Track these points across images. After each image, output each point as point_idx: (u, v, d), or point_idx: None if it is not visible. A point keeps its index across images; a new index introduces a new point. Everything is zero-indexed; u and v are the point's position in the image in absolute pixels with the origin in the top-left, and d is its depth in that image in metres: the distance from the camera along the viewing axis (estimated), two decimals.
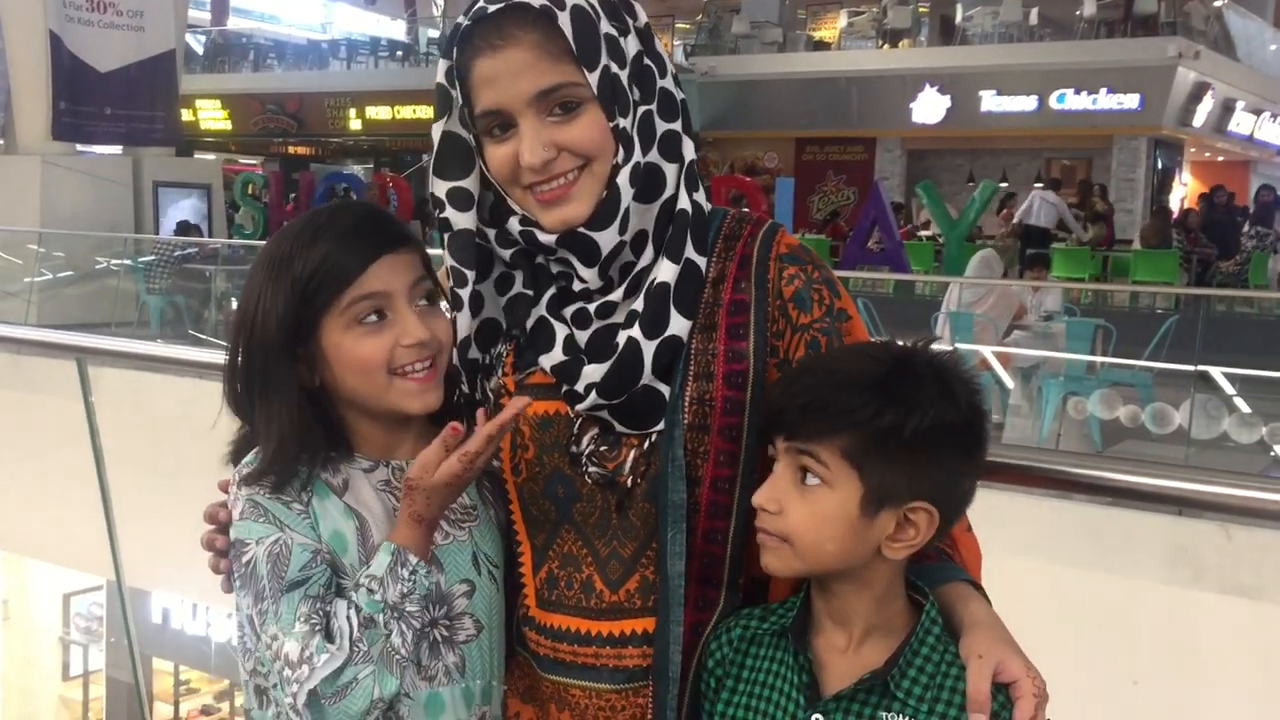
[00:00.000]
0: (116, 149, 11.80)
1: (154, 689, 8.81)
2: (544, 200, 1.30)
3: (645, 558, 1.34)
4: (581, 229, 1.29)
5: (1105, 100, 18.22)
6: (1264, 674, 3.40)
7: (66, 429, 3.72)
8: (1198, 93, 18.41)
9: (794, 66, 20.55)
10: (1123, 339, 7.98)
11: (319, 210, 1.43)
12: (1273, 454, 6.58)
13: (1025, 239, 14.33)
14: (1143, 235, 14.97)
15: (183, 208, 11.94)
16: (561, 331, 1.36)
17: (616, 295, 1.33)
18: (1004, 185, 17.06)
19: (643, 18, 1.35)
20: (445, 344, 1.40)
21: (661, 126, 1.33)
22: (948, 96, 19.30)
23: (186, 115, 19.26)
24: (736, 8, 22.19)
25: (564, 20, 1.25)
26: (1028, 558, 3.65)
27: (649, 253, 1.33)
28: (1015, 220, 15.46)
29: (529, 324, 1.38)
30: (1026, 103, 18.75)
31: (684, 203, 1.34)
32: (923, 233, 16.08)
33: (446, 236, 1.37)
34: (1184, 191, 20.66)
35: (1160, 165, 19.84)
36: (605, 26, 1.29)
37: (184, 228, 11.68)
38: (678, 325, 1.31)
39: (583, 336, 1.34)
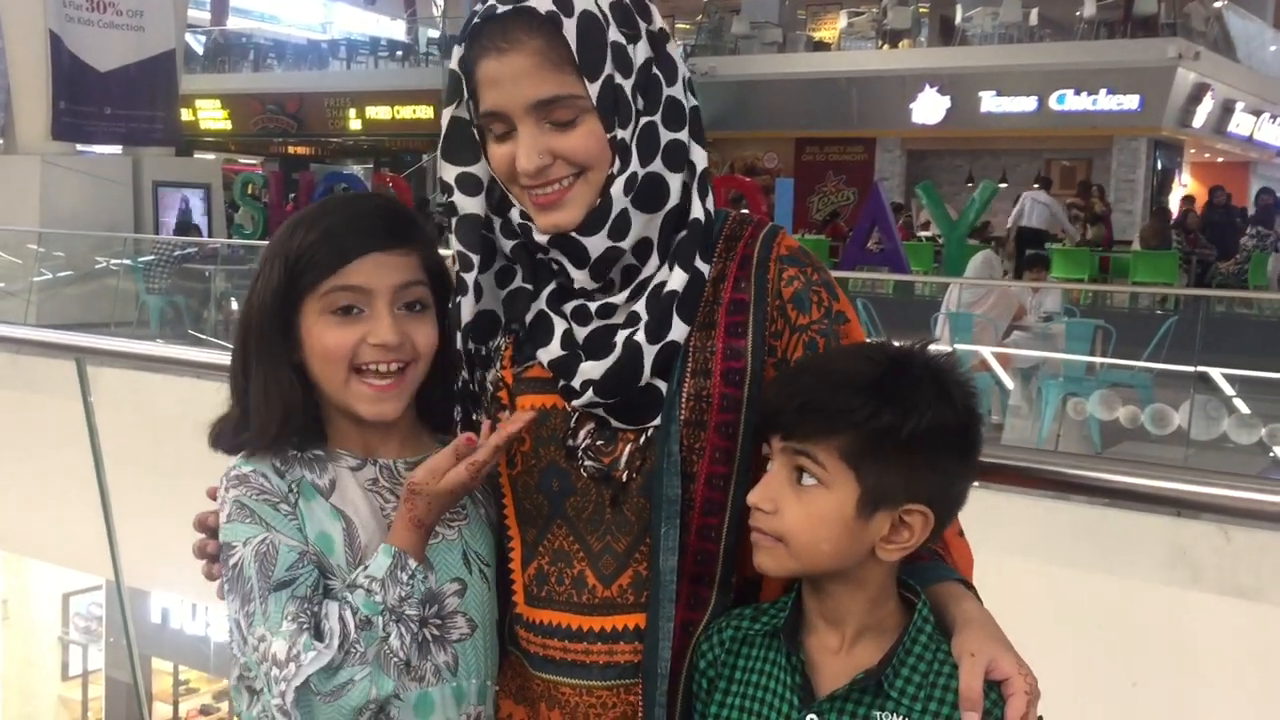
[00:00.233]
0: (116, 149, 11.82)
1: (153, 689, 8.80)
2: (538, 203, 1.31)
3: (639, 553, 1.35)
4: (572, 234, 1.30)
5: (1105, 101, 18.23)
6: (1262, 675, 3.40)
7: (66, 429, 3.72)
8: (1197, 94, 18.41)
9: (794, 67, 20.55)
10: (1122, 340, 7.95)
11: (338, 195, 1.45)
12: (1272, 455, 6.57)
13: (1021, 241, 14.32)
14: (1142, 236, 14.97)
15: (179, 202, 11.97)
16: (560, 326, 1.36)
17: (619, 298, 1.34)
18: (1003, 186, 17.06)
19: (658, 21, 1.35)
20: (422, 354, 1.40)
21: (666, 136, 1.32)
22: (947, 97, 19.30)
23: (186, 115, 19.27)
24: (736, 8, 22.20)
25: (569, 28, 1.25)
26: (1026, 559, 3.65)
27: (654, 260, 1.33)
28: (1009, 224, 15.45)
29: (528, 318, 1.39)
30: (1026, 103, 18.75)
31: (697, 211, 1.34)
32: (922, 233, 16.08)
33: (454, 220, 1.38)
34: (1183, 192, 20.65)
35: (1160, 166, 19.85)
36: (614, 34, 1.28)
37: (183, 224, 11.68)
38: (678, 331, 1.32)
39: (581, 333, 1.35)
